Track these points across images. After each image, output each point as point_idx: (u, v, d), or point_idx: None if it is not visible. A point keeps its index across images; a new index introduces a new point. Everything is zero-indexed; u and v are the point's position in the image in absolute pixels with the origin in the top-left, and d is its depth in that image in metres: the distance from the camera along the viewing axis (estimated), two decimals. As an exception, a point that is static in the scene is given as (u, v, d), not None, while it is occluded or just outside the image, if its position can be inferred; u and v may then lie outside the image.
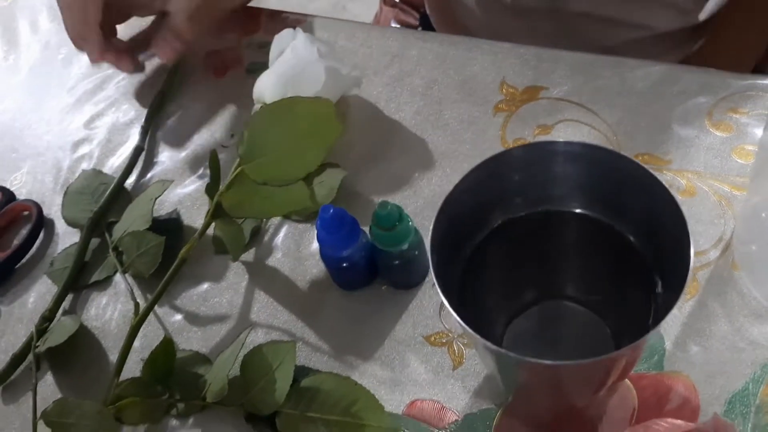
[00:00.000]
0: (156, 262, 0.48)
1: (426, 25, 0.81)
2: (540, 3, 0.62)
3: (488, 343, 0.29)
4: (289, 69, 0.50)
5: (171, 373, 0.44)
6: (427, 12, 0.79)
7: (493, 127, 0.53)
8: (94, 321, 0.51)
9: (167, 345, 0.44)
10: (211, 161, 0.45)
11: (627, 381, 0.43)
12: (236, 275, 0.51)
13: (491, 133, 0.53)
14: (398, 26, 0.86)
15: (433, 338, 0.46)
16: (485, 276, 0.37)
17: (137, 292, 0.51)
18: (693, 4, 0.64)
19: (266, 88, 0.50)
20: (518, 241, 0.36)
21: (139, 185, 0.57)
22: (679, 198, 0.48)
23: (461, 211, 0.33)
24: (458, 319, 0.28)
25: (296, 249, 0.51)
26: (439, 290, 0.30)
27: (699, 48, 0.67)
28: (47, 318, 0.50)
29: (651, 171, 0.31)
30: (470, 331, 0.29)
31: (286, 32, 0.52)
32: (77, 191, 0.57)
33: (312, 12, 0.64)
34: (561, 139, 0.36)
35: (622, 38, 0.65)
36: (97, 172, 0.58)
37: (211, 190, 0.44)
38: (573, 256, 0.38)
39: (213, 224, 0.47)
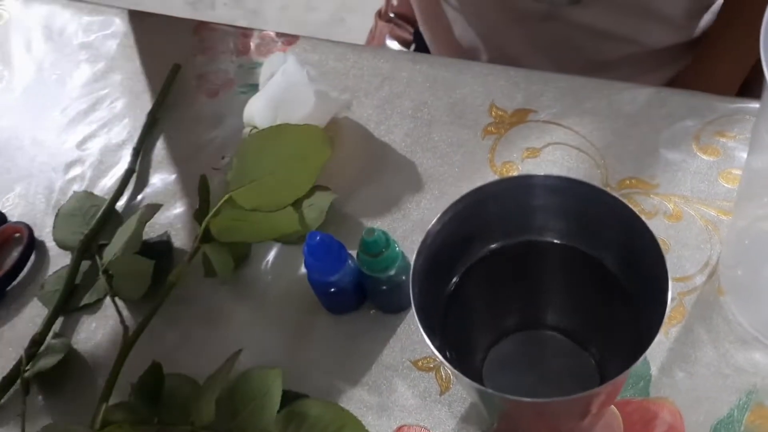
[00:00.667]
0: (145, 286, 0.48)
1: (420, 40, 0.81)
2: (539, 8, 0.62)
3: (470, 381, 0.29)
4: (279, 92, 0.50)
5: (159, 397, 0.45)
6: (420, 28, 0.79)
7: (482, 150, 0.54)
8: (84, 344, 0.51)
9: (156, 370, 0.44)
10: (200, 186, 0.45)
11: (613, 407, 0.43)
12: (226, 298, 0.51)
13: (480, 156, 0.53)
14: (393, 42, 0.86)
15: (420, 363, 0.46)
16: (469, 304, 0.37)
17: (127, 315, 0.51)
18: (687, 20, 0.65)
19: (257, 111, 0.51)
20: (500, 271, 0.36)
21: (130, 207, 0.57)
22: (665, 223, 0.48)
23: (443, 243, 0.34)
24: (440, 357, 0.28)
25: (286, 272, 0.51)
26: (420, 326, 0.30)
27: (690, 64, 0.67)
28: (37, 341, 0.50)
29: (630, 206, 0.31)
30: (450, 366, 0.29)
31: (276, 56, 0.52)
32: (68, 213, 0.57)
33: (310, 23, 0.64)
34: (541, 173, 0.36)
35: (618, 53, 0.65)
36: (88, 194, 0.58)
37: (200, 215, 0.45)
38: (555, 285, 0.38)
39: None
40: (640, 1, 0.62)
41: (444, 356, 0.32)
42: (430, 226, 0.33)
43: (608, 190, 0.50)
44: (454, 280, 0.36)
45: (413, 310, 0.31)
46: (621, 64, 0.67)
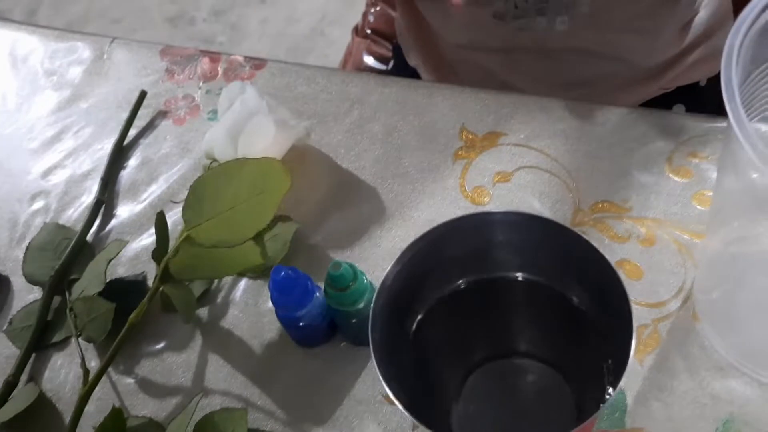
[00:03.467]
0: (106, 328, 0.47)
1: (399, 55, 0.80)
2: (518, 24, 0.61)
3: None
4: (238, 123, 0.49)
5: (122, 442, 0.43)
6: (399, 40, 0.77)
7: (453, 175, 0.53)
8: (48, 384, 0.50)
9: (116, 415, 0.42)
10: (157, 223, 0.44)
11: (588, 440, 0.42)
12: (193, 334, 0.50)
13: (451, 181, 0.53)
14: (369, 58, 0.85)
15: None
16: (435, 340, 0.36)
17: (93, 354, 0.50)
18: (673, 37, 0.64)
19: (216, 143, 0.50)
20: (465, 307, 0.36)
21: (98, 239, 0.56)
22: (638, 247, 0.47)
23: (404, 283, 0.33)
24: (403, 409, 0.27)
25: (254, 305, 0.50)
26: (380, 377, 0.29)
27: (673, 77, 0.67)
28: (11, 383, 0.48)
29: (590, 241, 0.30)
30: (409, 415, 0.28)
31: (234, 85, 0.51)
32: (39, 247, 0.56)
33: (291, 37, 0.64)
34: (499, 210, 0.36)
35: (604, 70, 0.64)
36: (59, 227, 0.57)
37: (158, 254, 0.43)
38: (521, 318, 0.37)
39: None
40: (625, 20, 0.61)
41: (409, 397, 0.31)
42: (389, 268, 0.32)
43: (581, 214, 0.49)
44: (418, 317, 0.35)
45: (372, 354, 0.30)
46: (606, 81, 0.66)
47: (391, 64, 0.83)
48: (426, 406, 0.34)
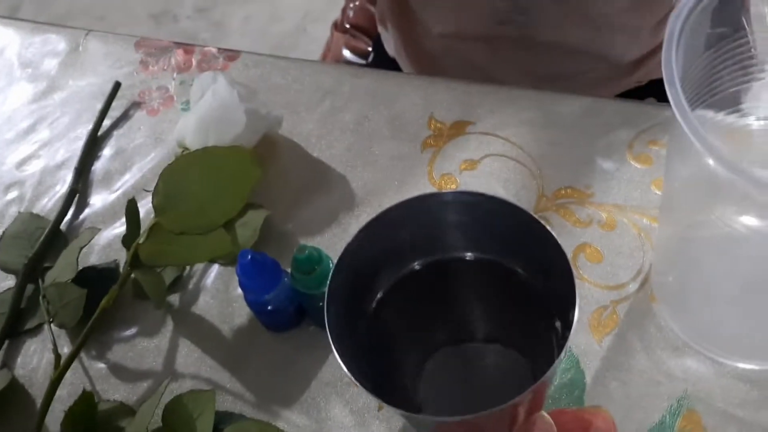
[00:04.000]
0: (78, 314, 0.48)
1: (378, 50, 0.81)
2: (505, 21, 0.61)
3: (388, 405, 0.29)
4: (210, 112, 0.50)
5: (93, 426, 0.44)
6: (380, 29, 0.77)
7: (421, 163, 0.54)
8: (21, 369, 0.50)
9: (87, 399, 0.43)
10: (128, 210, 0.44)
11: (548, 417, 0.43)
12: (165, 320, 0.50)
13: (419, 169, 0.54)
14: (348, 53, 0.86)
15: (359, 379, 0.46)
16: (393, 322, 0.37)
17: (65, 341, 0.51)
18: (652, 32, 0.64)
19: (187, 132, 0.50)
20: (421, 288, 0.37)
21: (72, 227, 0.57)
22: (599, 231, 0.49)
23: (362, 263, 0.34)
24: (348, 373, 0.28)
25: (224, 291, 0.51)
26: (334, 349, 0.30)
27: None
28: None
29: (539, 219, 0.31)
30: (358, 386, 0.29)
31: (206, 75, 0.52)
32: (13, 236, 0.56)
33: (274, 34, 0.64)
34: (451, 190, 0.37)
35: (583, 65, 0.65)
36: (33, 216, 0.57)
37: (127, 240, 0.44)
38: (477, 298, 0.38)
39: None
40: (605, 17, 0.62)
41: (365, 374, 0.32)
42: (346, 245, 0.33)
43: (544, 200, 0.50)
44: (377, 298, 0.36)
45: (327, 328, 0.31)
46: (585, 75, 0.67)
47: (371, 58, 0.84)
48: (386, 386, 0.35)
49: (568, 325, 0.29)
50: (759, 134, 0.46)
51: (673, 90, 0.31)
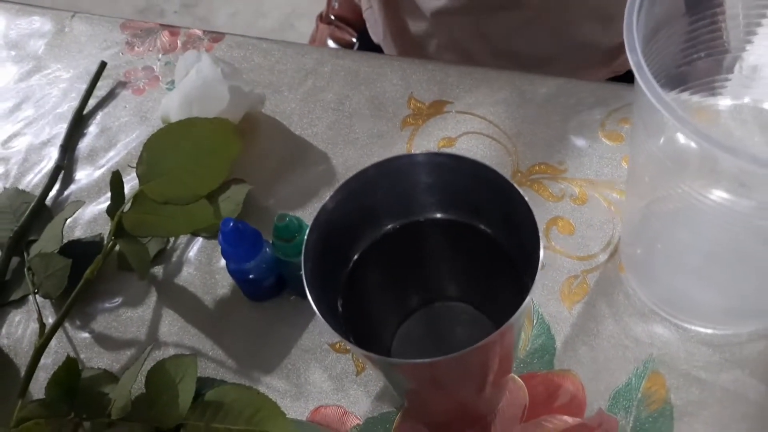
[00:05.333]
0: (62, 284, 0.48)
1: (363, 41, 0.82)
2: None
3: (356, 347, 0.30)
4: (194, 89, 0.51)
5: (76, 392, 0.45)
6: (365, 15, 0.78)
7: (400, 140, 0.55)
8: (5, 339, 0.51)
9: (70, 364, 0.44)
10: (112, 181, 0.45)
11: (519, 380, 0.45)
12: (149, 291, 0.51)
13: (399, 146, 0.55)
14: (333, 44, 0.88)
15: (338, 345, 0.48)
16: (368, 284, 0.38)
17: (50, 312, 0.51)
18: None
19: (172, 108, 0.51)
20: (396, 250, 0.38)
21: (57, 203, 0.57)
22: (571, 205, 0.50)
23: (338, 223, 0.35)
24: (318, 312, 0.30)
25: (207, 263, 0.52)
26: (308, 295, 0.32)
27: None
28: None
29: (507, 178, 0.33)
30: (323, 320, 0.30)
31: (190, 53, 0.53)
32: (-2, 210, 0.57)
33: (260, 30, 0.66)
34: (423, 152, 0.38)
35: (570, 50, 0.66)
36: (19, 192, 0.58)
37: (112, 210, 0.45)
38: (450, 260, 0.40)
39: (120, 241, 0.47)
40: (598, 7, 0.63)
41: (342, 332, 0.33)
42: (323, 203, 0.35)
43: (519, 175, 0.52)
44: (353, 260, 0.37)
45: (305, 284, 0.32)
46: (563, 63, 0.68)
47: (355, 48, 0.85)
48: (362, 344, 0.36)
49: (532, 276, 0.31)
50: (726, 114, 0.48)
51: (635, 57, 0.32)
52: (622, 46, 0.71)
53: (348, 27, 0.89)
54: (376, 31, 0.77)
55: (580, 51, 0.68)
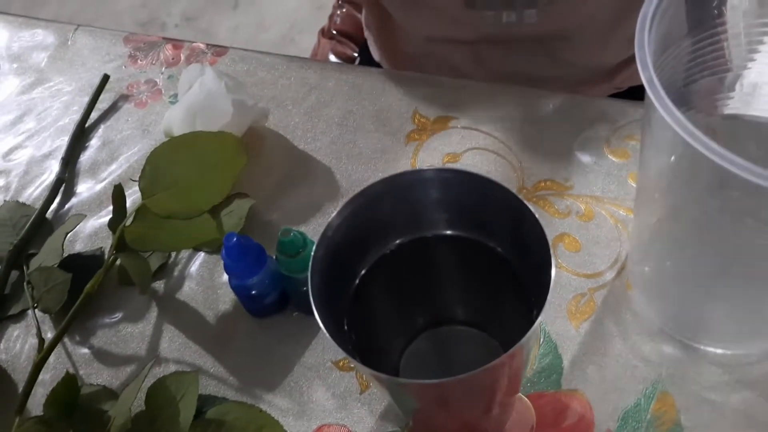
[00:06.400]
0: (62, 298, 0.48)
1: (364, 56, 0.82)
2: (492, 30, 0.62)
3: (362, 366, 0.29)
4: (197, 103, 0.51)
5: (75, 409, 0.44)
6: (366, 35, 0.79)
7: (404, 155, 0.55)
8: (4, 354, 0.50)
9: (69, 380, 0.43)
10: (114, 195, 0.45)
11: (526, 400, 0.44)
12: (150, 306, 0.51)
13: (403, 162, 0.55)
14: (335, 59, 0.88)
15: (341, 363, 0.47)
16: (375, 302, 0.38)
17: (49, 326, 0.51)
18: (631, 40, 0.66)
19: (175, 122, 0.51)
20: (403, 267, 0.37)
21: (58, 216, 0.57)
22: (578, 222, 0.50)
23: (345, 239, 0.34)
24: (324, 329, 0.29)
25: (209, 278, 0.51)
26: (315, 312, 0.31)
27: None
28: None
29: (518, 195, 0.32)
30: (330, 337, 0.30)
31: (194, 67, 0.53)
32: (-1, 223, 0.57)
33: (261, 44, 0.65)
34: (430, 167, 0.38)
35: (562, 71, 0.67)
36: (19, 205, 0.58)
37: (114, 224, 0.45)
38: (458, 278, 0.39)
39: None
40: (584, 20, 0.63)
41: (347, 350, 0.32)
42: (330, 219, 0.34)
43: (524, 191, 0.52)
44: (359, 276, 0.37)
45: (312, 301, 0.32)
46: (562, 80, 0.68)
47: (357, 63, 0.85)
48: (368, 363, 0.36)
49: (543, 295, 0.30)
50: (723, 127, 0.47)
51: (646, 72, 0.32)
52: (621, 64, 0.71)
53: (350, 42, 0.89)
54: (376, 51, 0.77)
55: (579, 71, 0.67)
